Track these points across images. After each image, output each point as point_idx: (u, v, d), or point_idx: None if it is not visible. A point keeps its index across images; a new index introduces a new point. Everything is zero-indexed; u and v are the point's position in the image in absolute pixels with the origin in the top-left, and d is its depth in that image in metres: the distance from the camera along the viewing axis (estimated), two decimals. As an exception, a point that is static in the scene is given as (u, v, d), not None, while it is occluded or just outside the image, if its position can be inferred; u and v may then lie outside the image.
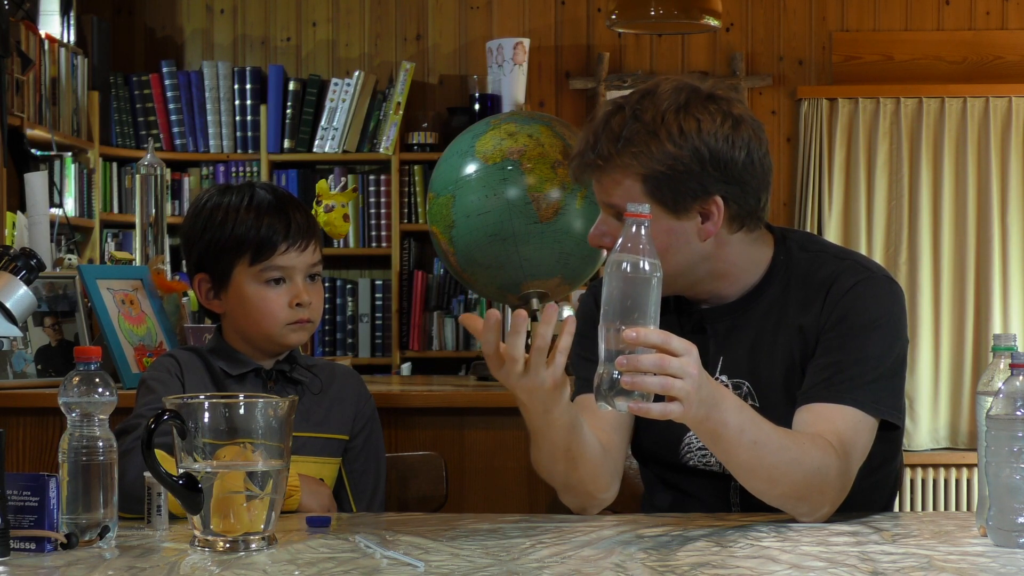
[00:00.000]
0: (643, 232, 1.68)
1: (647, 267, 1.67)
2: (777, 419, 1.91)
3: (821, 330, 1.97)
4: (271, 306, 2.16)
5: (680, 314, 2.08)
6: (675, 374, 1.68)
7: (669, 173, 1.91)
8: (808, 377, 1.96)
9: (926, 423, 5.67)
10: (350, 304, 5.73)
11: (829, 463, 1.83)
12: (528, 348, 1.79)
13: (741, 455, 1.80)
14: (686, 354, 1.69)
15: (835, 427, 1.88)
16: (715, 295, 2.05)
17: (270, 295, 2.16)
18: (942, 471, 5.62)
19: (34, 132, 4.91)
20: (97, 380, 1.68)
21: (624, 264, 1.67)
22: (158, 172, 2.98)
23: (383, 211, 5.71)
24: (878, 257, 5.63)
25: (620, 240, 1.69)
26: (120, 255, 3.77)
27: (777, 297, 2.03)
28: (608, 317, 1.68)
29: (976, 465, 1.71)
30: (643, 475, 2.21)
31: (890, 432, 1.99)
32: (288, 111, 5.71)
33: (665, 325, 2.05)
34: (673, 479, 2.11)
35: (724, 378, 2.03)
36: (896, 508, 2.16)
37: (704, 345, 2.03)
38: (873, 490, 2.06)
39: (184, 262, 2.28)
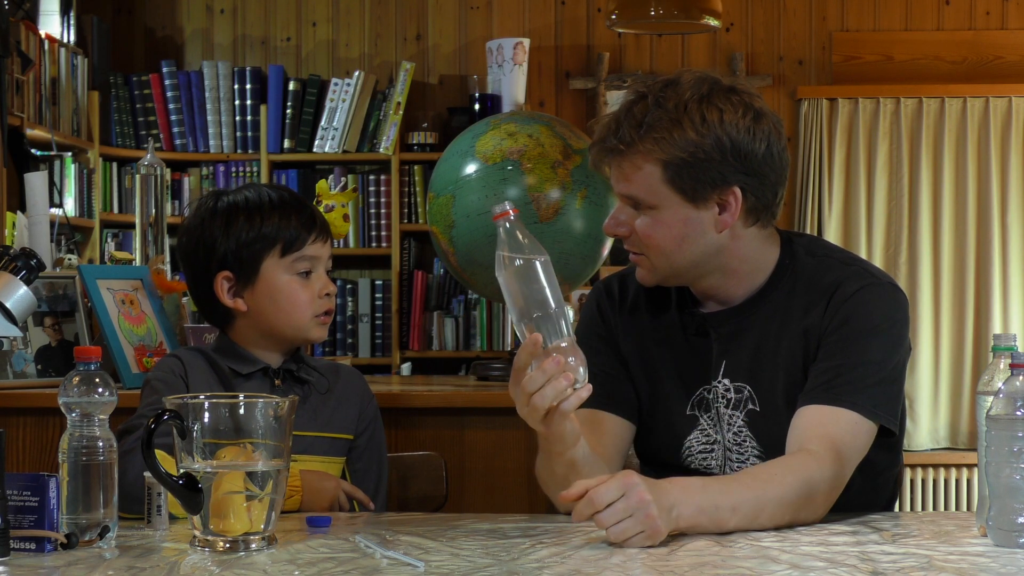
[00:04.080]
0: (509, 227, 1.74)
1: (532, 259, 1.72)
2: (777, 423, 1.92)
3: (823, 334, 1.97)
4: (302, 297, 2.19)
5: (683, 316, 2.08)
6: (621, 517, 1.66)
7: (690, 160, 1.91)
8: (809, 380, 1.95)
9: (926, 423, 5.67)
10: (350, 304, 5.73)
11: (812, 477, 1.82)
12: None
13: (731, 525, 1.77)
14: (622, 495, 1.67)
15: (828, 431, 1.88)
16: (720, 293, 2.04)
17: (300, 286, 2.19)
18: (942, 471, 5.62)
19: (34, 132, 4.91)
20: (97, 380, 1.68)
21: (512, 260, 1.72)
22: (158, 172, 2.98)
23: (383, 211, 5.71)
24: (878, 257, 5.64)
25: (497, 244, 1.73)
26: (120, 255, 3.77)
27: (781, 301, 2.02)
28: (520, 316, 1.73)
29: (976, 465, 1.71)
30: (643, 473, 2.20)
31: (889, 439, 1.99)
32: (288, 111, 5.71)
33: (666, 327, 2.07)
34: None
35: (727, 381, 2.03)
36: (896, 508, 2.16)
37: (707, 348, 2.04)
38: (872, 493, 2.06)
39: (188, 267, 2.26)
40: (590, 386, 1.75)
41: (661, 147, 1.91)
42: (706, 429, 2.04)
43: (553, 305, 1.73)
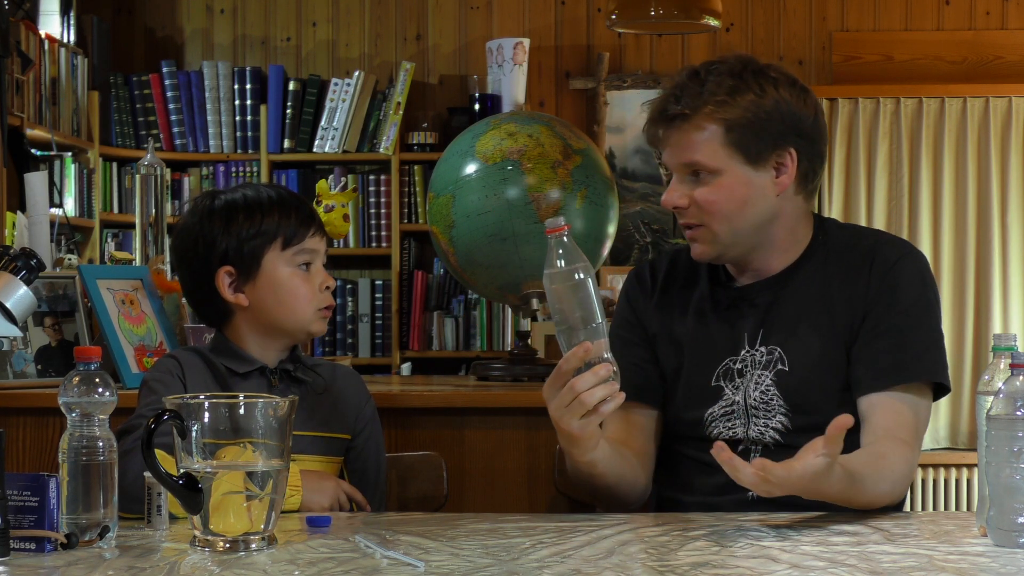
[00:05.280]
0: (565, 242, 1.84)
1: (580, 274, 1.83)
2: (806, 382, 2.04)
3: (868, 305, 2.06)
4: (303, 290, 2.20)
5: (714, 292, 2.16)
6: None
7: (752, 120, 2.03)
8: (866, 359, 2.04)
9: (926, 423, 5.66)
10: (350, 304, 5.73)
11: (901, 462, 1.97)
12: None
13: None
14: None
15: (904, 419, 2.00)
16: (761, 266, 2.12)
17: (302, 279, 2.20)
18: (942, 471, 5.62)
19: (34, 132, 4.91)
20: (97, 380, 1.68)
21: (565, 275, 1.83)
22: (158, 172, 2.98)
23: (383, 211, 5.71)
24: (878, 257, 5.63)
25: (547, 258, 1.84)
26: (120, 255, 3.77)
27: (817, 270, 2.11)
28: (570, 327, 1.84)
29: (976, 465, 1.71)
30: (662, 445, 2.22)
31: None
32: (288, 111, 5.71)
33: (697, 303, 2.17)
34: (695, 453, 2.13)
35: (763, 348, 2.09)
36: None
37: (738, 321, 2.12)
38: None
39: (186, 265, 2.25)
40: (623, 394, 1.87)
41: (724, 109, 2.02)
42: (728, 396, 2.10)
43: (599, 317, 1.84)
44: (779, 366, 2.07)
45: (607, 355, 1.85)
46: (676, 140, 2.06)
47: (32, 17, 5.02)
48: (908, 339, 2.03)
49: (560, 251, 1.84)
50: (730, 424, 2.09)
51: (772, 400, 2.07)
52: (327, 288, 2.22)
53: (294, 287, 2.19)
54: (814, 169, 2.10)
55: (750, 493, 2.05)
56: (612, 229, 2.86)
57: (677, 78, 2.09)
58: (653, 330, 2.18)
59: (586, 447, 1.93)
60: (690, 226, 2.09)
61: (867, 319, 2.05)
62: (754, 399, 2.07)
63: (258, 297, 2.19)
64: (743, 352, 2.10)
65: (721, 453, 1.74)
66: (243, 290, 2.20)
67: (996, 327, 5.60)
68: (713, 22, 4.25)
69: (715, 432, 2.10)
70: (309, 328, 2.22)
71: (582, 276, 1.83)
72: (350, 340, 5.72)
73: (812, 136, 2.08)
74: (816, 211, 2.24)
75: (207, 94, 5.76)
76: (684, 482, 2.14)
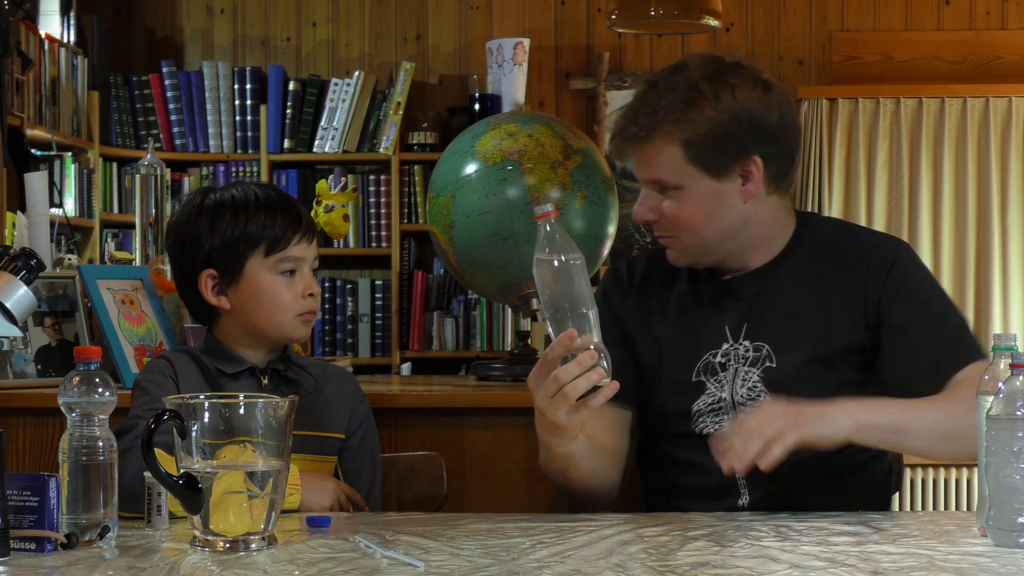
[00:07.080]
0: (551, 228, 1.81)
1: (568, 260, 1.80)
2: (795, 378, 2.01)
3: (880, 305, 2.04)
4: (285, 296, 2.19)
5: (695, 287, 2.14)
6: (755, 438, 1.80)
7: (709, 136, 1.99)
8: (907, 364, 2.02)
9: (926, 423, 5.66)
10: (350, 304, 5.72)
11: (963, 418, 1.89)
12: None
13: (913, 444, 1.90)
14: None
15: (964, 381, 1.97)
16: (738, 266, 2.11)
17: (284, 286, 2.19)
18: (942, 471, 5.61)
19: (34, 132, 4.91)
20: (97, 380, 1.68)
21: (552, 261, 1.80)
22: (158, 172, 2.98)
23: (383, 211, 5.71)
24: (878, 257, 5.63)
25: (536, 244, 1.81)
26: (120, 255, 3.77)
27: (803, 262, 2.09)
28: (556, 314, 1.81)
29: (976, 465, 1.71)
30: (648, 444, 2.21)
31: None
32: (288, 111, 5.71)
33: (676, 299, 2.16)
34: (684, 453, 2.11)
35: (747, 343, 2.07)
36: (896, 508, 2.17)
37: (720, 315, 2.11)
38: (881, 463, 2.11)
39: (176, 263, 2.26)
40: (616, 384, 1.84)
41: (680, 128, 1.99)
42: (713, 392, 2.09)
43: (588, 305, 1.81)
44: (767, 363, 2.06)
45: (597, 341, 1.82)
46: (637, 158, 2.05)
47: (32, 17, 5.02)
48: (941, 331, 2.03)
49: (548, 236, 1.82)
50: (718, 420, 2.08)
51: (760, 397, 2.05)
52: (311, 295, 2.21)
53: (276, 294, 2.19)
54: (784, 169, 2.07)
55: (741, 500, 2.04)
56: (612, 229, 2.85)
57: (638, 89, 2.07)
58: (630, 328, 2.17)
59: (568, 438, 1.93)
60: (663, 236, 2.10)
61: (884, 323, 2.04)
62: (741, 395, 2.06)
63: (240, 301, 2.20)
64: (725, 346, 2.09)
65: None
66: (225, 293, 2.20)
67: (996, 327, 5.60)
68: (713, 22, 4.25)
69: (703, 428, 2.08)
70: (290, 335, 2.21)
71: (570, 262, 1.81)
72: (350, 340, 5.72)
73: (778, 137, 2.04)
74: (816, 211, 2.24)
75: (207, 94, 5.76)
76: (676, 485, 2.12)
